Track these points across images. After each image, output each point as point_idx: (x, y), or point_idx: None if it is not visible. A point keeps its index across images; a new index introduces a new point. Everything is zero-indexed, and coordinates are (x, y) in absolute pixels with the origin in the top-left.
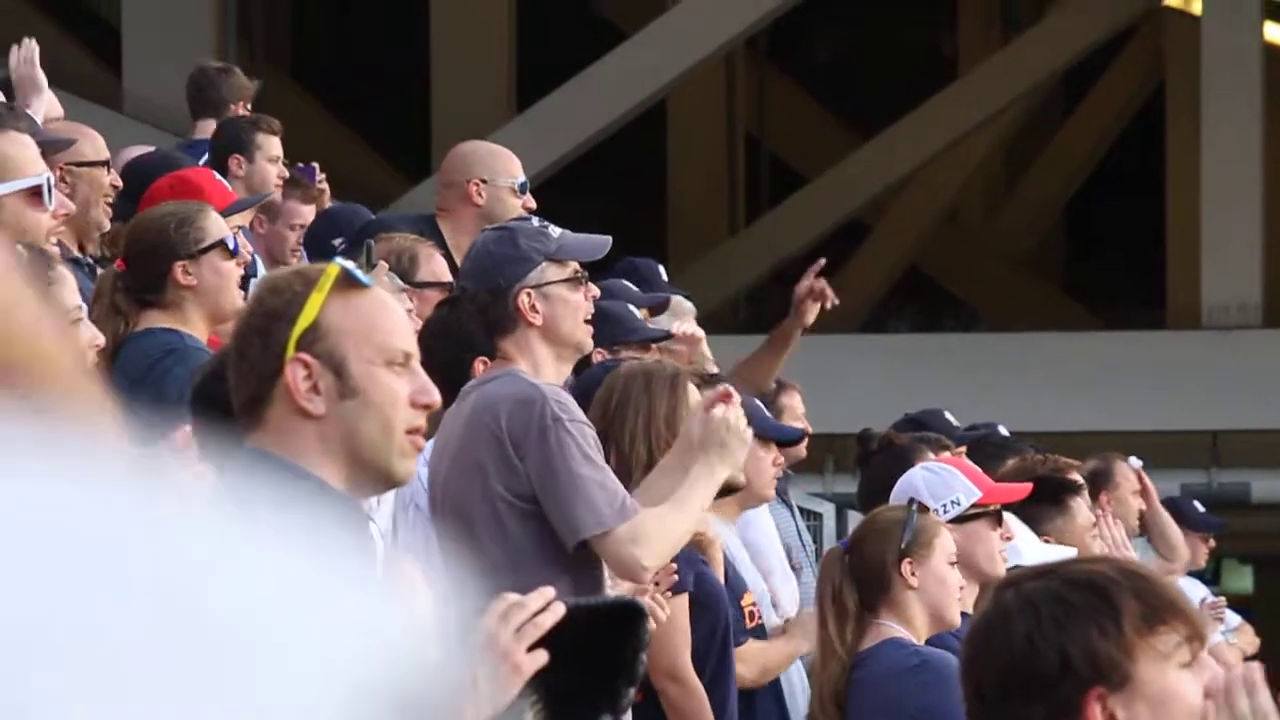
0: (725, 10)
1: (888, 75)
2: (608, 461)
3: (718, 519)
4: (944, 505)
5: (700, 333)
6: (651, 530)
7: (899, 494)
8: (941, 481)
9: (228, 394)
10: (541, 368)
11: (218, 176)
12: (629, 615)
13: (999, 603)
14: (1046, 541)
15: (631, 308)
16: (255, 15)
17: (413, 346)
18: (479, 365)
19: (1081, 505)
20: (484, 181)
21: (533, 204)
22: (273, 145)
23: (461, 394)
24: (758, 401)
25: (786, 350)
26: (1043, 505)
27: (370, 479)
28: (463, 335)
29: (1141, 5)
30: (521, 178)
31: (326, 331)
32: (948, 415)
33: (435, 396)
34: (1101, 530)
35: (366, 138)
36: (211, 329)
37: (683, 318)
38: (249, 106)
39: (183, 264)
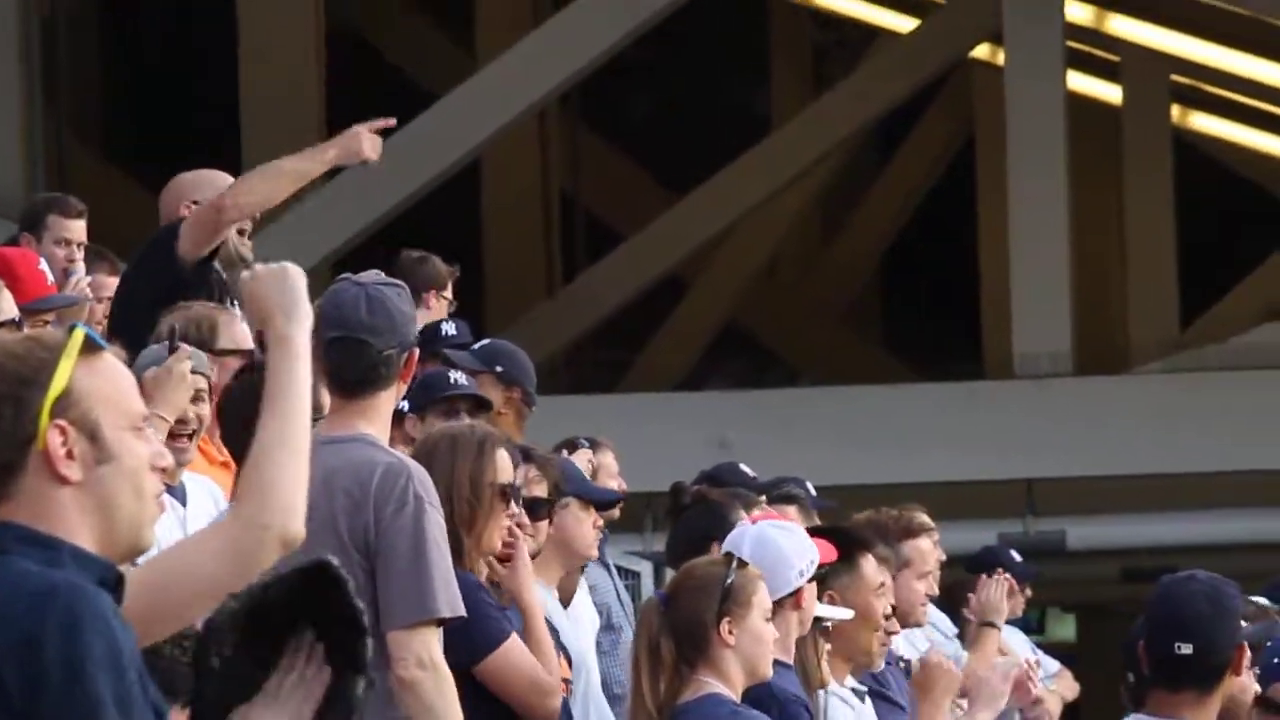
0: (537, 69)
1: (701, 132)
2: None
3: (539, 583)
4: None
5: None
6: (438, 658)
7: (732, 544)
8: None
9: None
10: (386, 429)
11: (43, 267)
12: (323, 575)
13: None
14: (830, 600)
15: (453, 374)
16: (62, 89)
17: (145, 409)
18: None
19: (870, 563)
20: (195, 204)
21: (246, 224)
22: (64, 228)
23: None
24: (574, 461)
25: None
26: (831, 562)
27: (122, 547)
28: None
29: (949, 58)
30: None
31: (79, 397)
32: (744, 468)
33: (171, 459)
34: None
35: None
36: None
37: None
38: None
39: None
